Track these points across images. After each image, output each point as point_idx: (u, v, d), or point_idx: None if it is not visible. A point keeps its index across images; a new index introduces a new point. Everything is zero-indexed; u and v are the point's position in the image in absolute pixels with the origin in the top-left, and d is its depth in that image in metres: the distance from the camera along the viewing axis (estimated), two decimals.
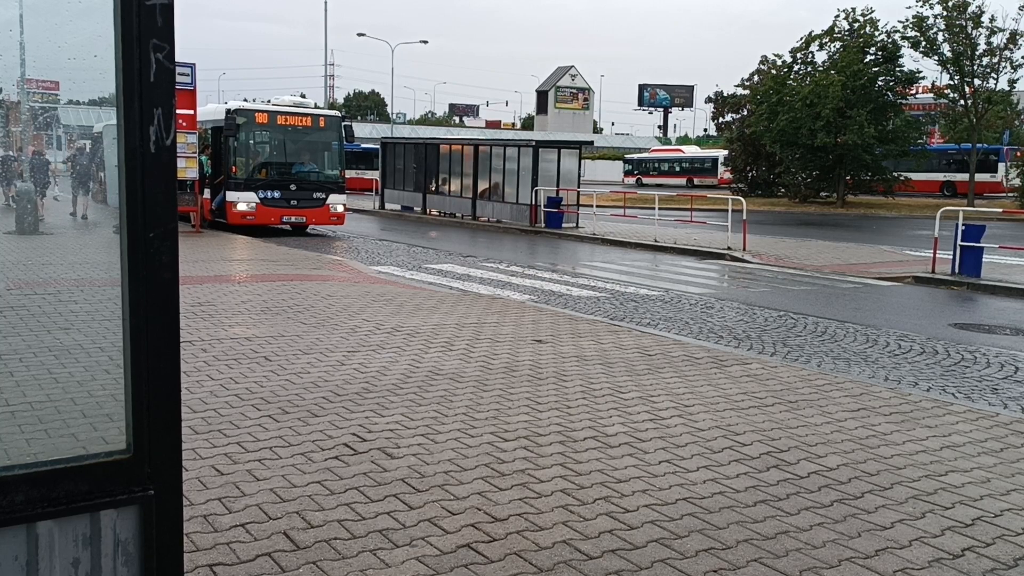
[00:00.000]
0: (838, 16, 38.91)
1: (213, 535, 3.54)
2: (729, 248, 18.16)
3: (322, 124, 20.56)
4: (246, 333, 7.67)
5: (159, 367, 1.77)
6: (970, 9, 35.10)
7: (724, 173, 58.88)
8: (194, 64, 17.89)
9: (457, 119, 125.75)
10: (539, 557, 3.45)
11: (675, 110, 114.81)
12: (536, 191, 23.56)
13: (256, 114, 20.01)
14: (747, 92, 45.79)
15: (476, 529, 3.69)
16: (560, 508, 3.94)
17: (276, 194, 19.69)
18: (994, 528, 3.91)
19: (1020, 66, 35.96)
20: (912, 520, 3.96)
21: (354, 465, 4.41)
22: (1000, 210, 16.72)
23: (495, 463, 4.51)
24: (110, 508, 1.77)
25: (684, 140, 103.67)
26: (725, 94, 55.39)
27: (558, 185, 23.81)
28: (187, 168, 18.03)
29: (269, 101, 21.36)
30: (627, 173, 72.48)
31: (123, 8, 1.68)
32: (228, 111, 19.43)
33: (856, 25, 38.53)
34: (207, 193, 20.22)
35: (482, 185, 25.92)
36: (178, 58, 1.78)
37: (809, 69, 39.96)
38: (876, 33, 38.10)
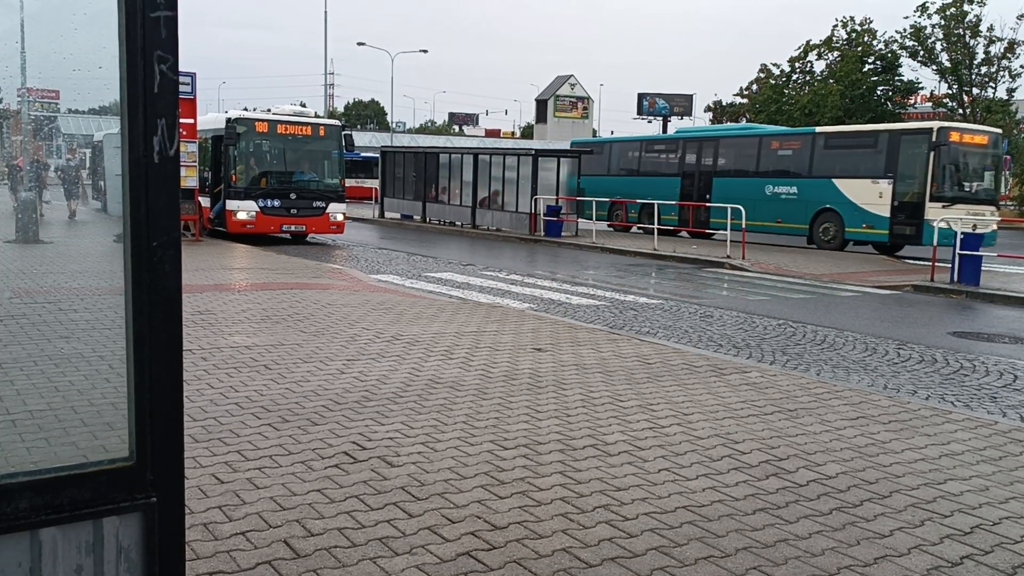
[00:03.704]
0: (836, 25, 39.10)
1: (213, 543, 3.55)
2: (728, 256, 18.19)
3: (322, 133, 20.62)
4: (246, 342, 7.68)
5: (162, 375, 1.79)
6: (968, 18, 35.25)
7: None
8: (194, 73, 17.96)
9: (457, 128, 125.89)
10: (539, 565, 3.45)
11: (674, 119, 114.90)
12: (535, 200, 23.61)
13: (256, 123, 20.06)
14: (745, 101, 45.95)
15: (476, 537, 3.69)
16: (560, 516, 3.95)
17: (276, 203, 19.73)
18: (993, 536, 3.92)
19: (1018, 75, 36.12)
20: (911, 528, 3.97)
21: (354, 473, 4.41)
22: (998, 219, 16.74)
23: (495, 471, 4.52)
24: (113, 515, 1.78)
25: None
26: (724, 103, 55.58)
27: (557, 194, 23.87)
28: (187, 177, 18.08)
29: (269, 110, 21.36)
30: None
31: (128, 20, 1.70)
32: (228, 120, 19.49)
33: (854, 35, 38.70)
34: (205, 201, 20.26)
35: (482, 194, 25.98)
36: (179, 67, 1.80)
37: (807, 78, 40.14)
38: (874, 43, 38.28)
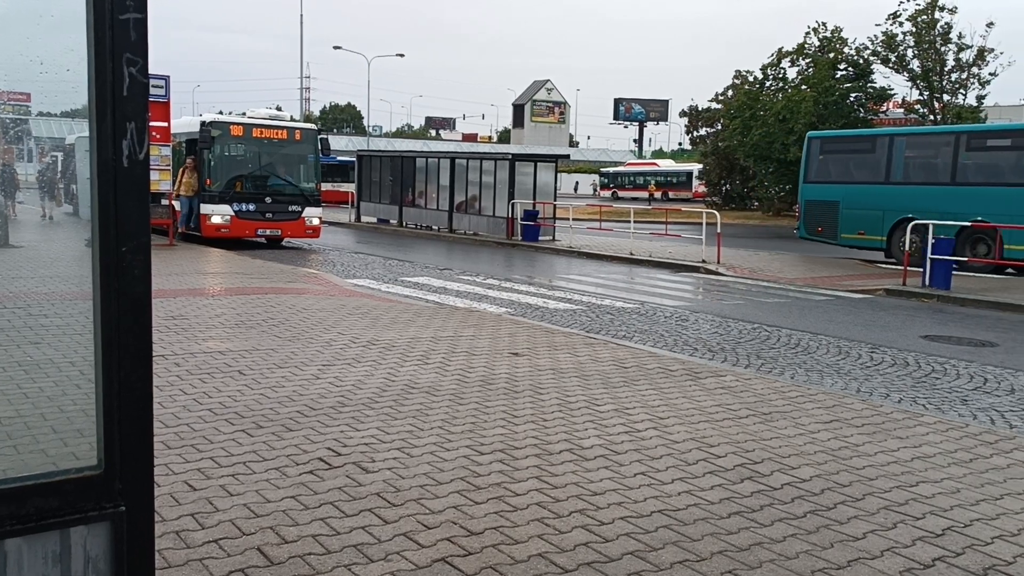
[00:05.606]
0: (808, 32, 39.48)
1: (186, 551, 3.51)
2: (704, 261, 18.29)
3: (298, 137, 20.52)
4: (219, 347, 7.61)
5: (131, 381, 1.76)
6: (939, 26, 35.71)
7: (699, 187, 59.55)
8: (168, 76, 17.80)
9: (434, 132, 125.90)
10: (515, 570, 3.44)
11: (650, 124, 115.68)
12: (513, 204, 23.62)
13: (231, 127, 19.93)
14: (720, 107, 46.29)
15: (452, 543, 3.68)
16: (536, 521, 3.94)
17: (251, 207, 19.60)
18: (964, 538, 3.96)
19: (987, 82, 36.60)
20: (883, 531, 4.00)
21: (329, 480, 4.38)
22: (969, 223, 16.97)
23: (471, 476, 4.50)
24: (80, 525, 1.75)
25: (659, 154, 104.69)
26: (699, 108, 55.97)
27: (534, 198, 23.90)
28: (161, 181, 17.90)
29: (244, 113, 21.24)
30: (603, 186, 73.30)
31: (96, 22, 1.68)
32: (203, 123, 19.34)
33: (826, 41, 39.09)
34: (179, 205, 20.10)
35: (459, 198, 25.95)
36: (152, 70, 1.78)
37: (781, 85, 40.48)
38: (846, 49, 38.68)
